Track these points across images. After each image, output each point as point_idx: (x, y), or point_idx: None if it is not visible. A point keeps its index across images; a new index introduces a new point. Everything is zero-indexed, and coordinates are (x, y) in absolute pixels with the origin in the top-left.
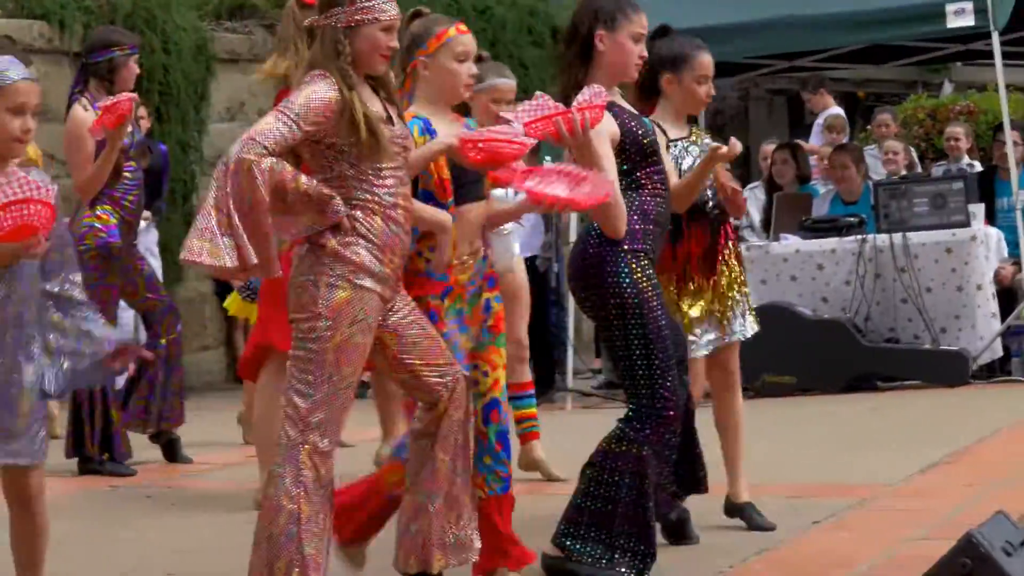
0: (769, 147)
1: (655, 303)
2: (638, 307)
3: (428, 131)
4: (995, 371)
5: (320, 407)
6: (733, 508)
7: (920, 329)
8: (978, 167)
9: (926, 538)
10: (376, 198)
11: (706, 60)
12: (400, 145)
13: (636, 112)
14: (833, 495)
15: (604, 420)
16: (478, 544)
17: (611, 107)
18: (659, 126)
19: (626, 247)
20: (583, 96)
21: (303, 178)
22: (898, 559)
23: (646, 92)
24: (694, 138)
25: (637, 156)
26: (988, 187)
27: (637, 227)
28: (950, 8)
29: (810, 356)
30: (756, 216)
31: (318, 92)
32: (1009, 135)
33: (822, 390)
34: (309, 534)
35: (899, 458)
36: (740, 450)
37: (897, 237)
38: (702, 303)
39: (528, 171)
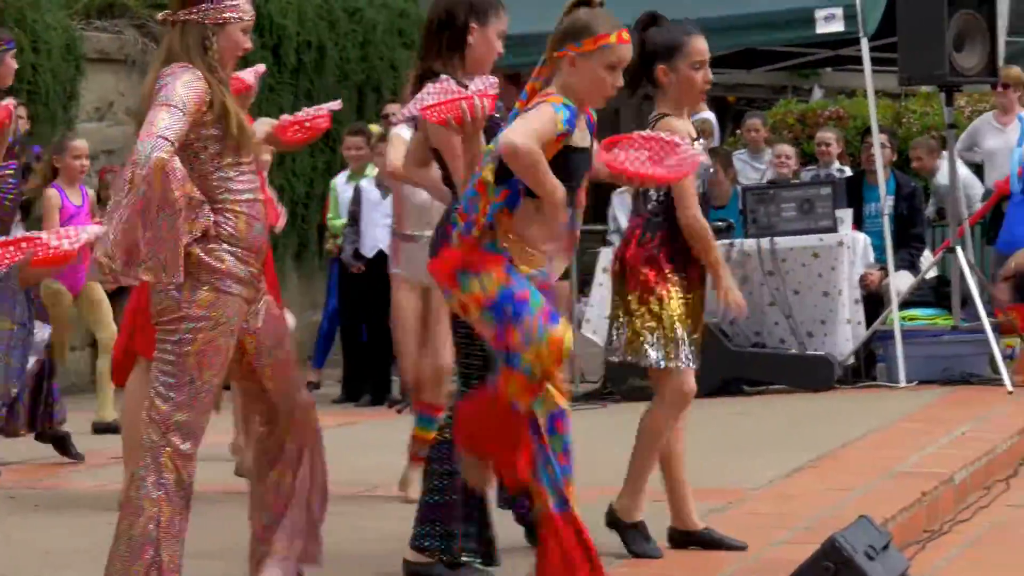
0: None
1: None
2: None
3: (570, 121)
4: (860, 376)
5: (181, 409)
6: (692, 536)
7: (786, 333)
8: (848, 172)
9: (790, 542)
10: (237, 198)
11: (700, 44)
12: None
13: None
14: (698, 498)
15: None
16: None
17: None
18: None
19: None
20: (477, 85)
21: (189, 182)
22: (762, 562)
23: (634, 84)
24: (695, 133)
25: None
26: (856, 192)
27: None
28: (820, 14)
29: None
30: (623, 220)
31: (192, 82)
32: (877, 141)
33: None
34: (168, 537)
35: (764, 462)
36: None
37: (765, 242)
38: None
39: (613, 140)
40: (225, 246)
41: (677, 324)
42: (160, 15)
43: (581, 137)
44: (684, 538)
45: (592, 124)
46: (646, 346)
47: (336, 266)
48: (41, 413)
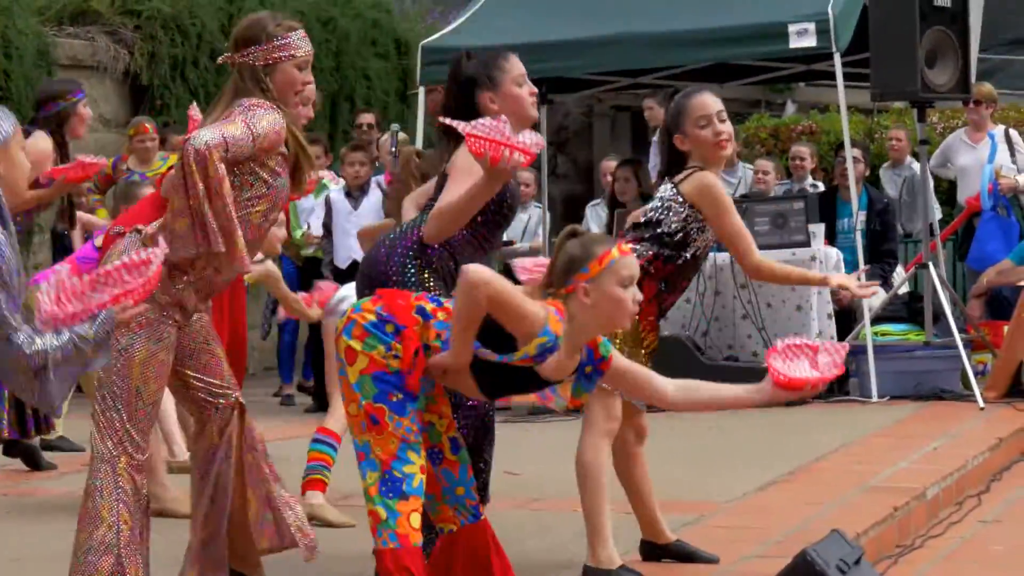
0: (611, 164)
1: None
2: None
3: (543, 357)
4: (833, 391)
5: (131, 421)
6: (664, 549)
7: (759, 346)
8: (821, 187)
9: (762, 556)
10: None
11: (699, 101)
12: None
13: None
14: (670, 511)
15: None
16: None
17: None
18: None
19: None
20: (527, 138)
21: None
22: None
23: (674, 164)
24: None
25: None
26: (829, 207)
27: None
28: (793, 28)
29: None
30: (596, 225)
31: (276, 121)
32: (850, 157)
33: (661, 407)
34: (130, 546)
35: (736, 476)
36: (653, 496)
37: None
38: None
39: (769, 353)
40: (186, 278)
41: (626, 349)
42: (220, 59)
43: (550, 371)
44: (656, 551)
45: (597, 359)
46: None
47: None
48: (41, 419)
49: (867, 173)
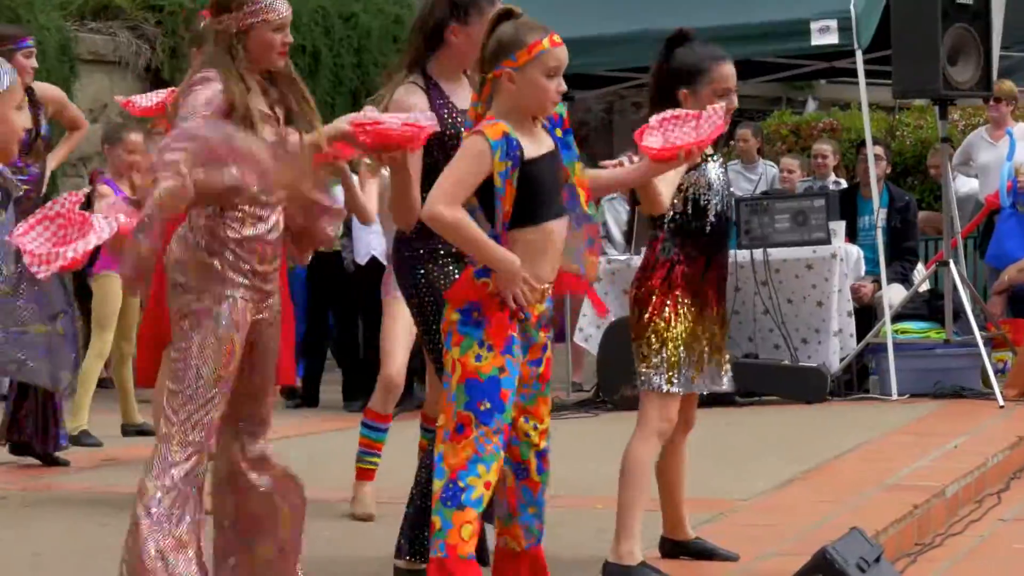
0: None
1: None
2: (434, 302)
3: (512, 155)
4: (853, 388)
5: (191, 404)
6: (684, 546)
7: (780, 342)
8: (844, 184)
9: (781, 554)
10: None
11: (726, 70)
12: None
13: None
14: (689, 509)
15: None
16: None
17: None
18: None
19: (423, 250)
20: (418, 119)
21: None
22: (752, 574)
23: (659, 103)
24: (722, 155)
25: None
26: (850, 205)
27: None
28: (815, 26)
29: None
30: (616, 229)
31: (214, 92)
32: (871, 154)
33: None
34: (190, 529)
35: (755, 473)
36: (684, 492)
37: (758, 253)
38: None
39: (641, 130)
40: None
41: (681, 347)
42: (201, 24)
43: (536, 146)
44: (675, 548)
45: (558, 121)
46: (650, 371)
47: (303, 272)
48: (52, 435)
49: (888, 171)
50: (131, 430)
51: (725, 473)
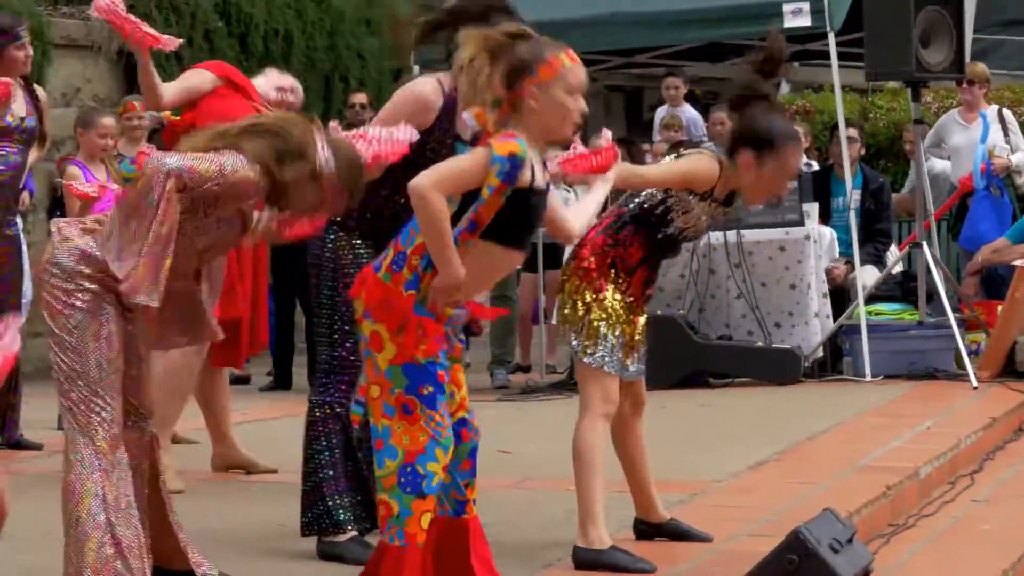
0: (600, 143)
1: (352, 272)
2: (332, 271)
3: (509, 177)
4: (826, 369)
5: (100, 392)
6: (657, 528)
7: (754, 326)
8: (815, 166)
9: (754, 534)
10: None
11: (798, 153)
12: None
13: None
14: (662, 490)
15: None
16: None
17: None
18: (719, 175)
19: (338, 220)
20: (399, 134)
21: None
22: (725, 554)
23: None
24: (730, 208)
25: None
26: (824, 187)
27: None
28: (787, 8)
29: None
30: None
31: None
32: (844, 137)
33: (654, 386)
34: (118, 513)
35: (729, 454)
36: (649, 472)
37: (731, 235)
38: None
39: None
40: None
41: (602, 323)
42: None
43: (542, 178)
44: (650, 529)
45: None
46: (572, 332)
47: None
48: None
49: (863, 152)
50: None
51: (698, 454)
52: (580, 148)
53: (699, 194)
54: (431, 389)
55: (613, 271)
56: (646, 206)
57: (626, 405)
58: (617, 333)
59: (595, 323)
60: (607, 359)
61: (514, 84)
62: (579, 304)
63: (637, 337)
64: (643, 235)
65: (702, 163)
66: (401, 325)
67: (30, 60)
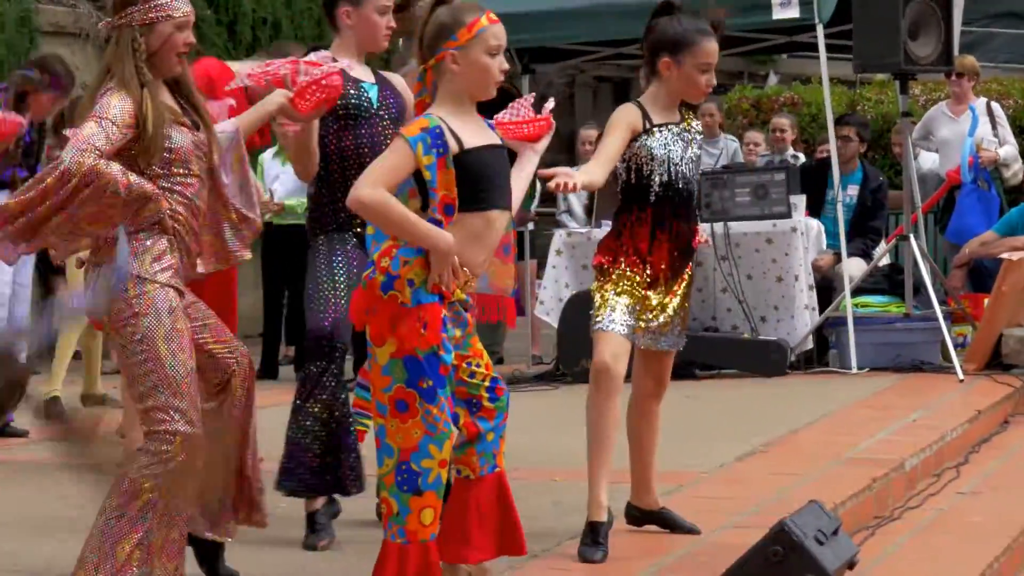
0: (590, 132)
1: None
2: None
3: (436, 145)
4: (812, 362)
5: (175, 396)
6: (648, 515)
7: (740, 319)
8: (802, 158)
9: (740, 526)
10: (186, 200)
11: (711, 47)
12: (202, 151)
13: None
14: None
15: None
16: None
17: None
18: (643, 109)
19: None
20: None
21: (132, 175)
22: (711, 545)
23: (649, 71)
24: (686, 124)
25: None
26: (821, 179)
27: None
28: (776, 0)
29: None
30: (578, 203)
31: (123, 100)
32: (832, 128)
33: None
34: (160, 523)
35: (715, 446)
36: (655, 458)
37: (719, 227)
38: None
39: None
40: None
41: (606, 292)
42: (100, 24)
43: (479, 137)
44: (642, 516)
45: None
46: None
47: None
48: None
49: (862, 149)
50: (92, 401)
51: (685, 446)
52: (524, 109)
53: (643, 132)
54: (431, 383)
55: (624, 258)
56: (622, 182)
57: (649, 383)
58: (624, 300)
59: (596, 292)
60: (605, 321)
61: (433, 51)
62: (598, 296)
63: (663, 311)
64: (639, 208)
65: (617, 113)
66: (393, 322)
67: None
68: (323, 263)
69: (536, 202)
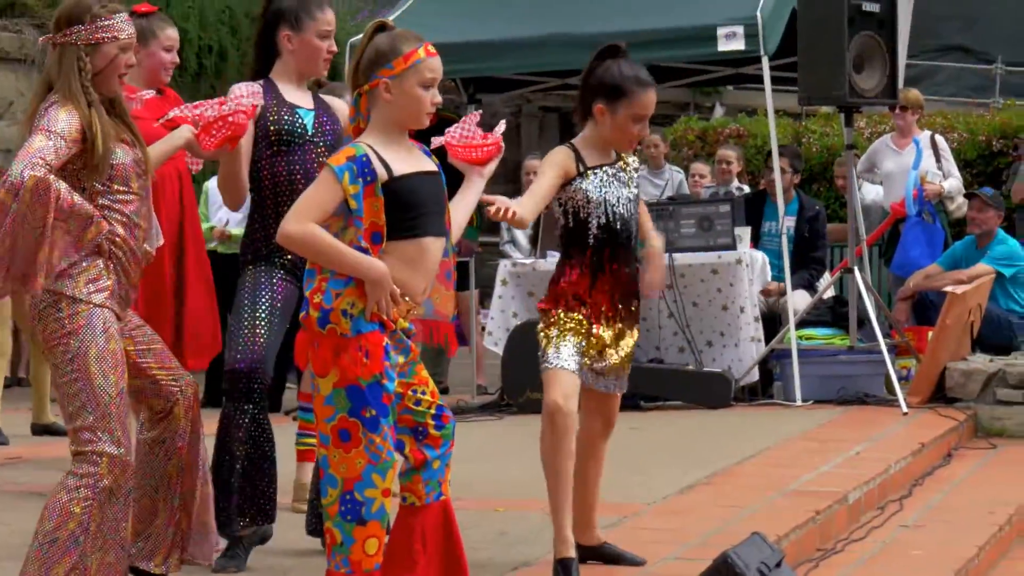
0: (535, 163)
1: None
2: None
3: (363, 174)
4: (757, 394)
5: (104, 418)
6: (591, 551)
7: (684, 345)
8: (747, 190)
9: (683, 558)
10: (125, 219)
11: (648, 99)
12: (141, 168)
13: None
14: None
15: None
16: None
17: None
18: (576, 152)
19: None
20: (240, 90)
21: (75, 195)
22: None
23: (583, 114)
24: (622, 164)
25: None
26: (758, 210)
27: None
28: (721, 32)
29: None
30: (522, 234)
31: (71, 112)
32: (776, 161)
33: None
34: (95, 544)
35: (658, 478)
36: (597, 497)
37: (664, 257)
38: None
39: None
40: (109, 263)
41: (550, 331)
42: (40, 39)
43: (410, 163)
44: (584, 553)
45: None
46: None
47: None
48: None
49: (796, 181)
50: (40, 429)
51: (629, 477)
52: (471, 125)
53: (578, 175)
54: (374, 412)
55: (564, 300)
56: (561, 227)
57: (598, 423)
58: (571, 338)
59: (540, 333)
60: (551, 358)
61: (368, 77)
62: (543, 336)
63: (612, 352)
64: (579, 252)
65: (550, 155)
66: (335, 352)
67: None
68: (247, 298)
69: (479, 232)
